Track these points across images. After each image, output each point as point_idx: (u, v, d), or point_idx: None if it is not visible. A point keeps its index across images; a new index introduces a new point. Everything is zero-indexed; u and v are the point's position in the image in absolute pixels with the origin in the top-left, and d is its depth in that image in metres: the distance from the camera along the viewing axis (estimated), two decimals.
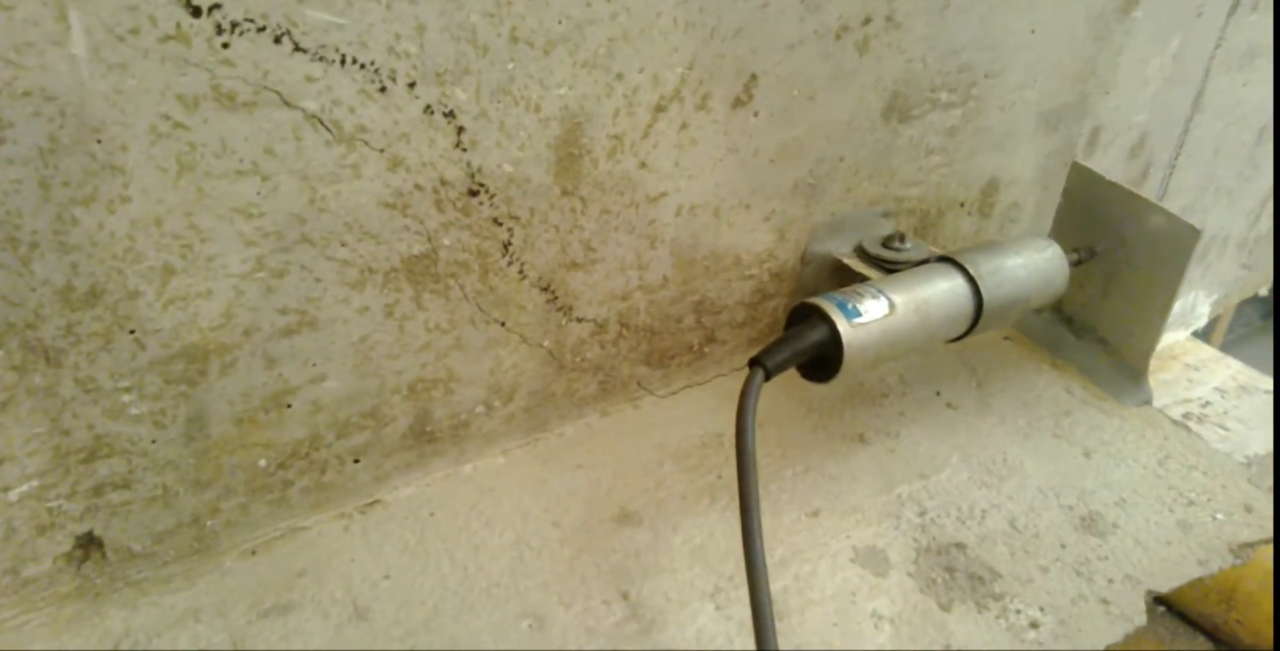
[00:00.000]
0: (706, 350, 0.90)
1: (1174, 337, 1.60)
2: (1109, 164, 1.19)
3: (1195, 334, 1.66)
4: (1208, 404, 1.45)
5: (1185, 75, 1.20)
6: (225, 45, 0.52)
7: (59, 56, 0.48)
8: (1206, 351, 1.58)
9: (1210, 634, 1.31)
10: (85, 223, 0.53)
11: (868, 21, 0.78)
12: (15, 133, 0.49)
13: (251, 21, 0.52)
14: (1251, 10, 1.21)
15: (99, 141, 0.51)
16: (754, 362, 0.68)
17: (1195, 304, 1.63)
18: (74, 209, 0.52)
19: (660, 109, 0.71)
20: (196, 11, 0.50)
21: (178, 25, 0.50)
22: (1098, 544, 0.76)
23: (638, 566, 0.71)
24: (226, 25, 0.51)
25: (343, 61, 0.56)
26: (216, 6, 0.51)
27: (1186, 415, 1.41)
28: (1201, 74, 1.23)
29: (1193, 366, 1.54)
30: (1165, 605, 1.37)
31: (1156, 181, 1.31)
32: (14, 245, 0.51)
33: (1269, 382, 1.53)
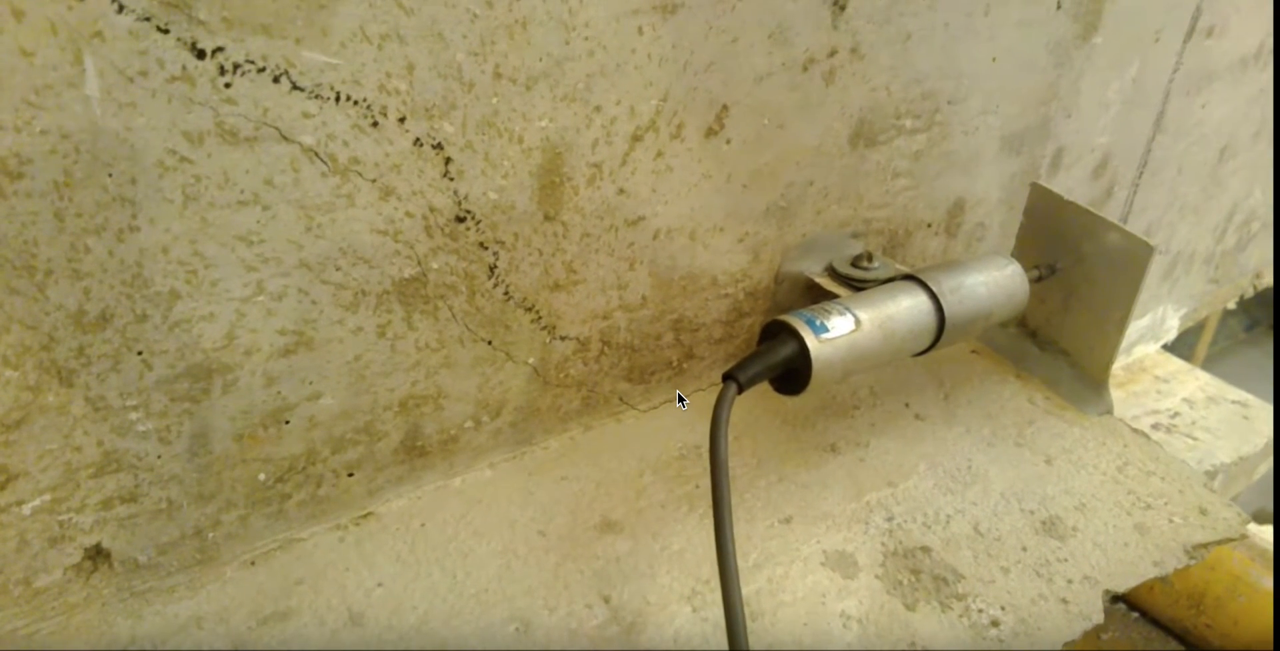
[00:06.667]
0: (685, 366, 0.94)
1: (1144, 351, 1.64)
2: (1073, 184, 1.23)
3: (1165, 347, 1.71)
4: (1176, 415, 1.49)
5: (1145, 98, 1.24)
6: (228, 85, 0.56)
7: (74, 97, 0.52)
8: (1176, 364, 1.63)
9: (1181, 637, 1.35)
10: (96, 251, 0.56)
11: (833, 53, 0.83)
12: (33, 168, 0.52)
13: (252, 63, 0.56)
14: (1206, 36, 1.26)
15: (110, 175, 0.55)
16: (727, 377, 0.72)
17: (1164, 317, 1.67)
18: (86, 238, 0.56)
19: (637, 138, 0.75)
20: (201, 54, 0.54)
21: (183, 67, 0.54)
22: (1058, 546, 0.80)
23: (619, 572, 0.75)
24: (229, 66, 0.55)
25: (337, 99, 0.60)
26: (220, 49, 0.55)
27: (1155, 425, 1.45)
28: (1161, 97, 1.28)
29: (1162, 379, 1.58)
30: (1139, 611, 1.40)
31: (1121, 200, 1.35)
32: (30, 272, 0.55)
33: (1237, 394, 1.58)
